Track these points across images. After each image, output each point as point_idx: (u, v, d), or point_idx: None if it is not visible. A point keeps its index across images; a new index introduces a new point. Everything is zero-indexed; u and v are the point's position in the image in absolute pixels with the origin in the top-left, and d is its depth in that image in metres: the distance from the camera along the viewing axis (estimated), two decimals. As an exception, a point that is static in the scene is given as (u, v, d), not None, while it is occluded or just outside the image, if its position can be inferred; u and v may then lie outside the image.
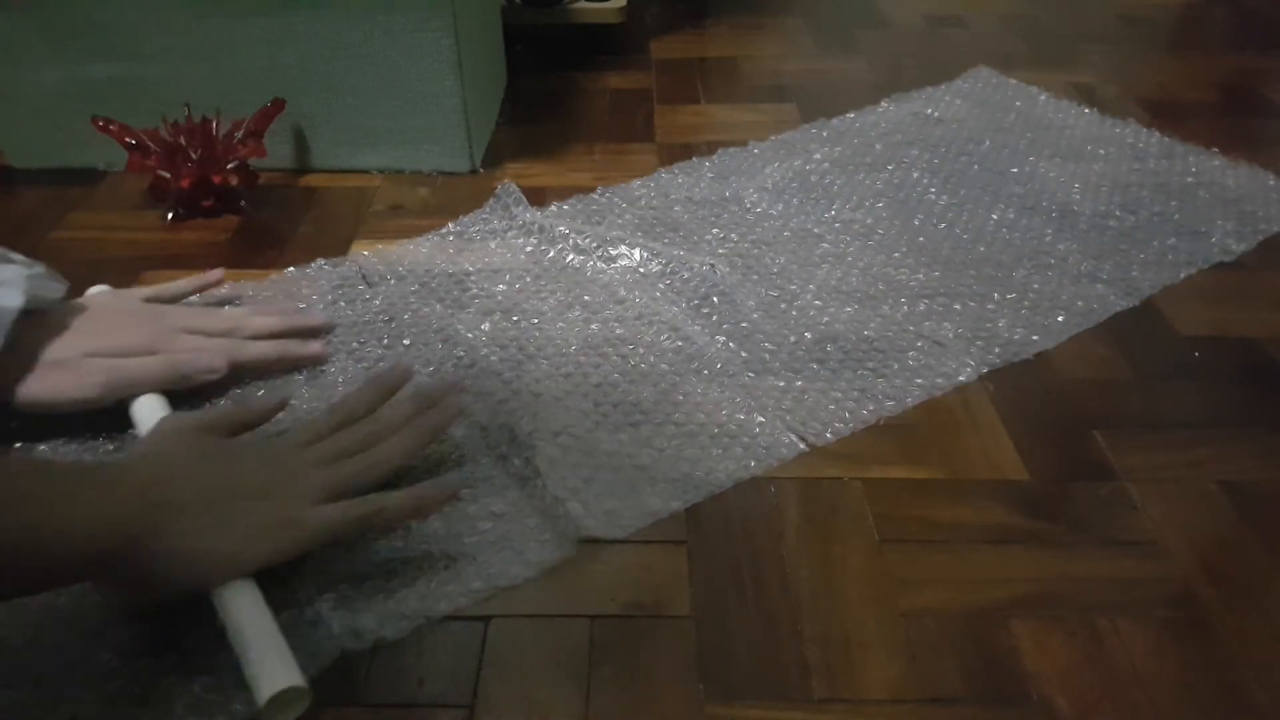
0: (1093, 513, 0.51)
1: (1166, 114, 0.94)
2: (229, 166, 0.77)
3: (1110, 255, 0.71)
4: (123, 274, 0.70)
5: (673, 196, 0.79)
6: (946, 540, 0.49)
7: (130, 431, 0.54)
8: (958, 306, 0.65)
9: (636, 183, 0.81)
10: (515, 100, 0.98)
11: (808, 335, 0.63)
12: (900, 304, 0.66)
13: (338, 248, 0.73)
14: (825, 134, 0.89)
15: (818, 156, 0.85)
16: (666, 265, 0.69)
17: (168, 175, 0.76)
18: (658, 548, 0.49)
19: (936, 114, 0.92)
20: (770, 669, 0.43)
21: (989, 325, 0.64)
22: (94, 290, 0.62)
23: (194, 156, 0.76)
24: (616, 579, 0.47)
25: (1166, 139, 0.87)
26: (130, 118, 0.77)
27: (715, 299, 0.66)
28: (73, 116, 0.79)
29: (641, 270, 0.69)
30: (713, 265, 0.69)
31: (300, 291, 0.68)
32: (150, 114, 0.77)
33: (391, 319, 0.64)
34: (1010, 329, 0.63)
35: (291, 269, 0.70)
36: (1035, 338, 0.63)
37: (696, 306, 0.65)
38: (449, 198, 0.80)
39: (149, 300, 0.61)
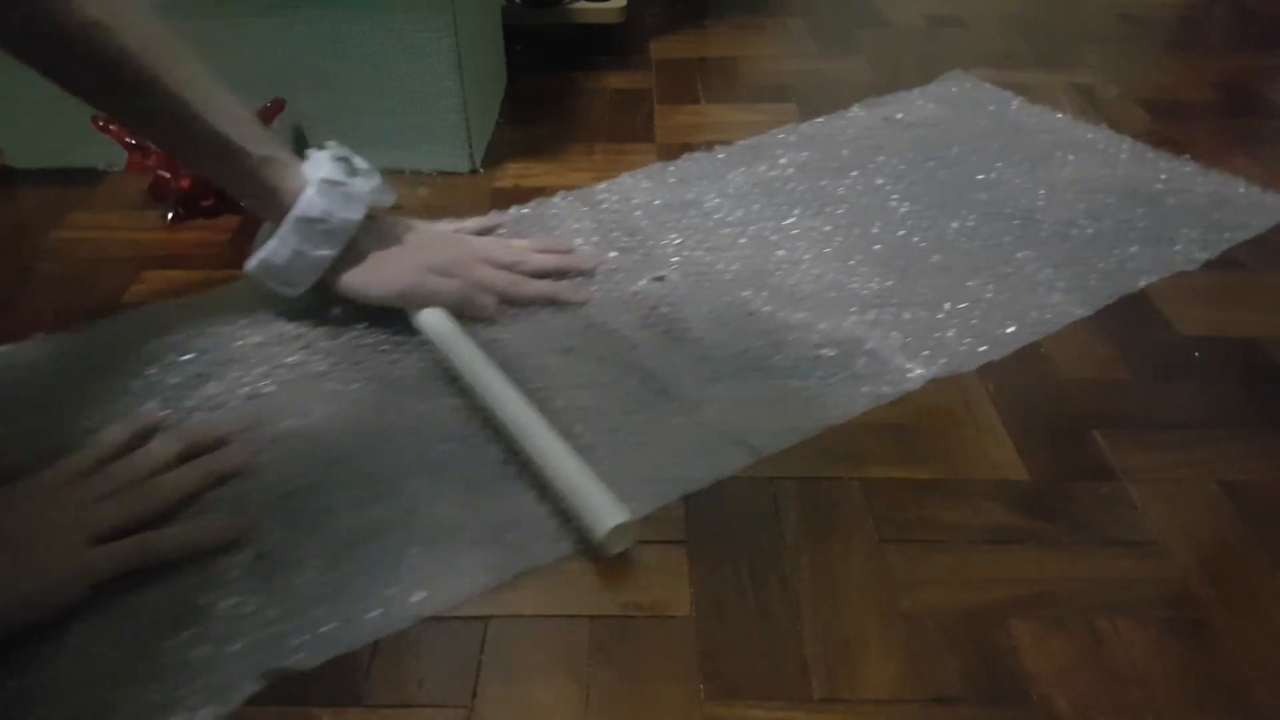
0: (1093, 513, 0.51)
1: (1166, 114, 0.94)
2: (229, 166, 0.77)
3: (1070, 264, 0.70)
4: (123, 274, 0.70)
5: (634, 201, 0.78)
6: (946, 540, 0.49)
7: (418, 337, 0.62)
8: (908, 316, 0.64)
9: (601, 186, 0.80)
10: (515, 100, 0.98)
11: (756, 343, 0.62)
12: (850, 313, 0.64)
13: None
14: (793, 139, 0.88)
15: (783, 161, 0.84)
16: (613, 273, 0.69)
17: (168, 175, 0.76)
18: (658, 548, 0.49)
19: (907, 118, 0.91)
20: (770, 669, 0.43)
21: (938, 335, 0.63)
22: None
23: (194, 156, 0.75)
24: (616, 579, 0.47)
25: (1139, 144, 0.86)
26: (130, 118, 0.77)
27: (664, 309, 0.65)
28: (73, 116, 0.78)
29: (590, 280, 0.68)
30: (663, 276, 0.68)
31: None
32: (150, 114, 0.76)
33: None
34: (959, 339, 0.62)
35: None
36: (984, 348, 0.61)
37: (644, 317, 0.64)
38: (449, 198, 0.80)
39: (455, 231, 0.71)
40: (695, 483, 0.52)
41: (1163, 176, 0.81)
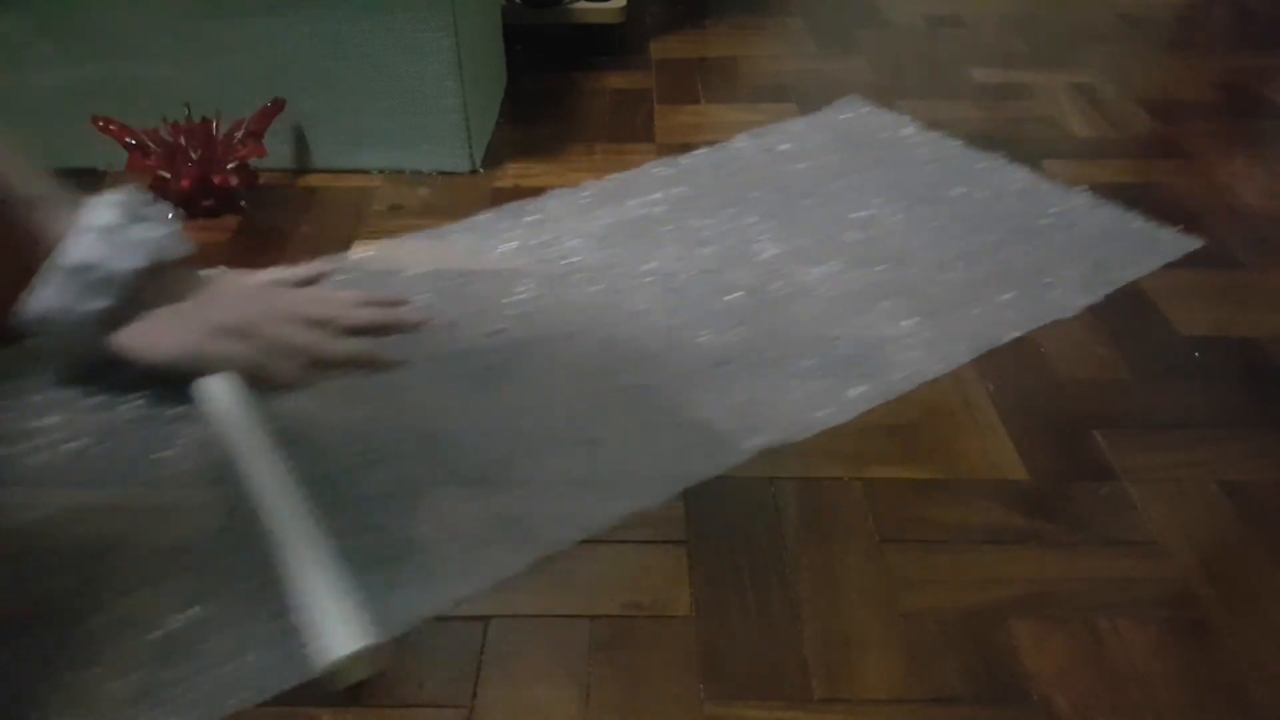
0: (1093, 513, 0.51)
1: (1166, 114, 0.94)
2: (229, 167, 0.77)
3: (935, 313, 0.65)
4: (123, 274, 0.70)
5: (488, 243, 0.73)
6: (946, 540, 0.49)
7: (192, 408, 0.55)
8: (752, 377, 0.59)
9: (456, 226, 0.75)
10: (515, 100, 0.98)
11: (585, 411, 0.56)
12: (689, 375, 0.59)
13: (338, 248, 0.73)
14: (671, 172, 0.83)
15: (656, 197, 0.79)
16: (448, 326, 0.63)
17: (168, 175, 0.76)
18: (658, 548, 0.49)
19: (790, 150, 0.86)
20: (770, 669, 0.43)
21: (780, 398, 0.58)
22: (219, 269, 0.64)
23: (194, 156, 0.76)
24: (616, 579, 0.47)
25: (1033, 175, 0.81)
26: (130, 118, 0.77)
27: (493, 370, 0.60)
28: (73, 116, 0.79)
29: (420, 336, 0.63)
30: (502, 330, 0.63)
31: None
32: (150, 114, 0.77)
33: None
34: (799, 405, 0.57)
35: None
36: (824, 413, 0.57)
37: (468, 381, 0.59)
38: (449, 198, 0.80)
39: (271, 283, 0.64)
40: (460, 595, 0.46)
41: (1052, 210, 0.76)
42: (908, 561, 0.48)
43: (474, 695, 0.42)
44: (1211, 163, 0.85)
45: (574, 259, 0.71)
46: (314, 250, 0.72)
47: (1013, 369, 0.61)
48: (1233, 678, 0.43)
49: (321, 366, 0.58)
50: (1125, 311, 0.66)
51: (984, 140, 0.89)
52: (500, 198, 0.79)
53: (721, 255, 0.72)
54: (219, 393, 0.55)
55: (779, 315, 0.65)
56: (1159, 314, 0.66)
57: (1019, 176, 0.82)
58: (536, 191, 0.80)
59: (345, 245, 0.73)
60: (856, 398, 0.58)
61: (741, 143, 0.88)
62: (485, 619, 0.45)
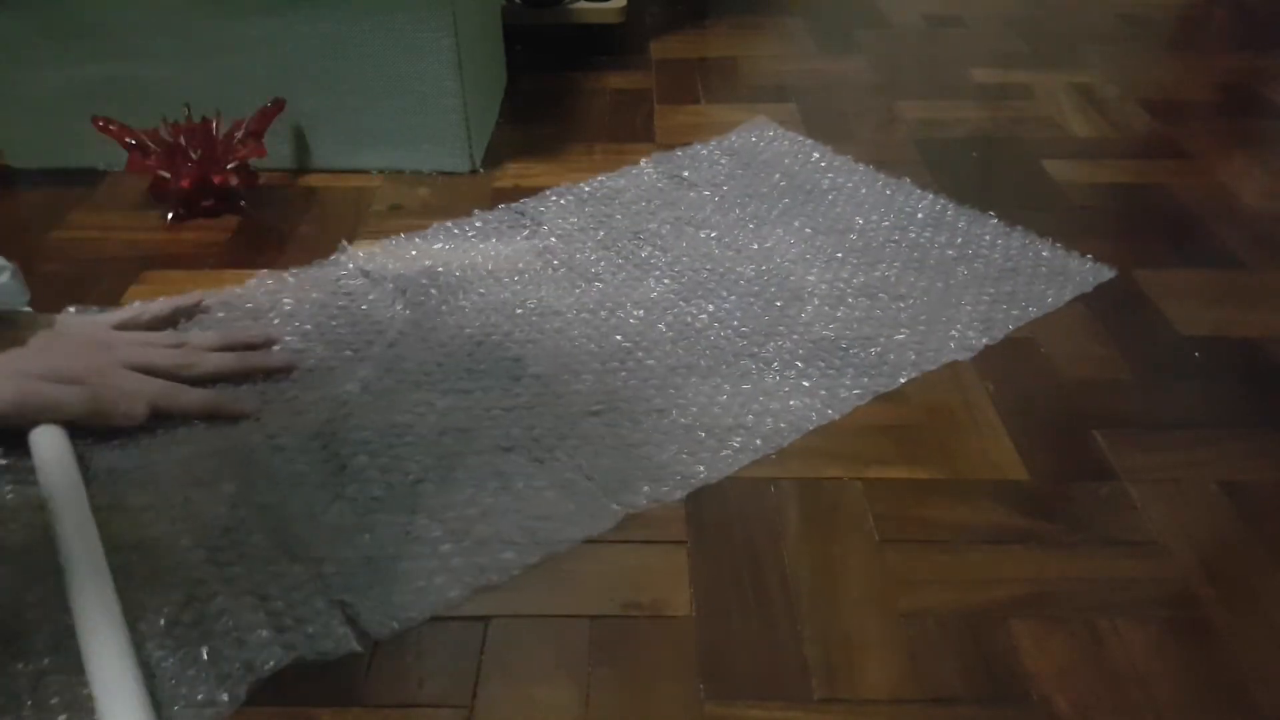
0: (1093, 513, 0.51)
1: (1166, 114, 0.94)
2: (229, 166, 0.77)
3: (825, 355, 0.61)
4: (123, 274, 0.70)
5: (370, 277, 0.69)
6: (946, 540, 0.49)
7: (26, 460, 0.51)
8: (620, 434, 0.55)
9: (313, 269, 0.70)
10: (515, 100, 0.98)
11: (432, 471, 0.52)
12: (545, 431, 0.55)
13: (337, 248, 0.73)
14: (565, 201, 0.79)
15: (546, 229, 0.75)
16: (309, 374, 0.60)
17: (168, 175, 0.76)
18: (658, 548, 0.49)
19: (693, 178, 0.82)
20: (770, 669, 0.43)
21: (636, 461, 0.53)
22: (69, 311, 0.62)
23: (194, 156, 0.76)
24: (616, 579, 0.47)
25: (941, 201, 0.78)
26: (130, 118, 0.77)
27: (341, 423, 0.56)
28: (73, 116, 0.79)
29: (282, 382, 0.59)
30: (352, 390, 0.59)
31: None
32: (150, 114, 0.77)
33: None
34: (672, 464, 0.53)
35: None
36: (703, 469, 0.53)
37: (311, 437, 0.55)
38: (449, 198, 0.80)
39: (119, 326, 0.60)
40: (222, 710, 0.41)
41: (958, 241, 0.73)
42: (908, 561, 0.48)
43: (474, 695, 0.42)
44: (1211, 163, 0.85)
45: (451, 300, 0.66)
46: (314, 250, 0.72)
47: (1013, 369, 0.61)
48: (1233, 678, 0.43)
49: (162, 417, 0.55)
50: (1125, 312, 0.66)
51: (984, 140, 0.89)
52: (500, 198, 0.79)
53: (607, 294, 0.67)
54: (46, 447, 0.51)
55: (660, 360, 0.61)
56: (1159, 314, 0.66)
57: (925, 204, 0.78)
58: (537, 192, 0.80)
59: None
60: (729, 458, 0.54)
61: (644, 168, 0.84)
62: (485, 619, 0.45)
